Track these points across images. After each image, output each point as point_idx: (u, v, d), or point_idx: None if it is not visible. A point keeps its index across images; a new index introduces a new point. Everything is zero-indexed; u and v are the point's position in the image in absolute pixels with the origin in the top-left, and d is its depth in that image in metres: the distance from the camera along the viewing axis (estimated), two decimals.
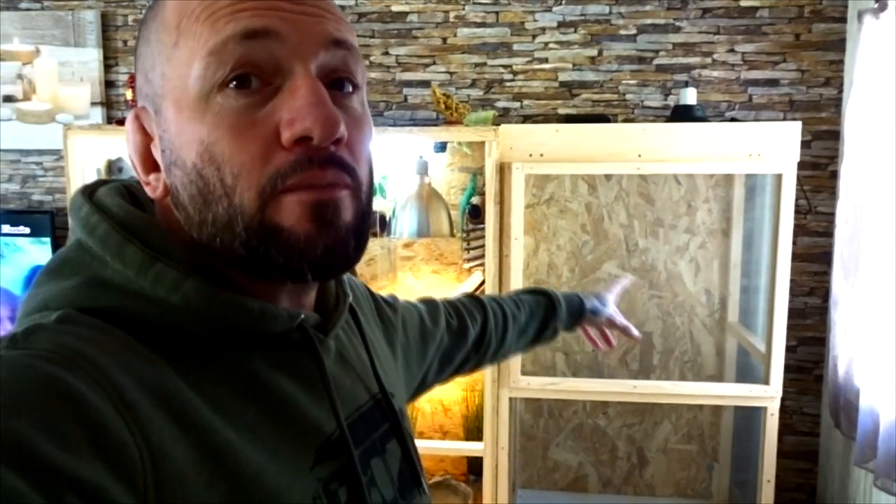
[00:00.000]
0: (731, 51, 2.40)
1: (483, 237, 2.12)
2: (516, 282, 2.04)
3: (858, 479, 2.18)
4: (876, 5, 2.02)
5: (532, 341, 1.09)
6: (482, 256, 2.15)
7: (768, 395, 1.98)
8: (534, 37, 2.47)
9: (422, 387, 0.87)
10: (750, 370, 2.41)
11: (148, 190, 0.52)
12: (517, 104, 2.50)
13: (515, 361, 2.08)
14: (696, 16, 2.39)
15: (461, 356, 0.94)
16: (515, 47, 2.48)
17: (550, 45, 2.46)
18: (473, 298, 1.00)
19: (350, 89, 0.51)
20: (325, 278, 0.55)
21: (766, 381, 1.99)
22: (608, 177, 2.43)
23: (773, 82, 2.40)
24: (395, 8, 2.49)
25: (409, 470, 0.63)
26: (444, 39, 2.50)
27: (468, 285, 2.38)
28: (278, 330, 0.51)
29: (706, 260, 2.45)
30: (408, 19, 2.50)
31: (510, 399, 2.10)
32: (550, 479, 2.61)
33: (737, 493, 2.50)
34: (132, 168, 0.53)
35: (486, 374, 2.09)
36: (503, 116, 2.49)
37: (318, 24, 0.48)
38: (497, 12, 2.46)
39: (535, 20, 2.45)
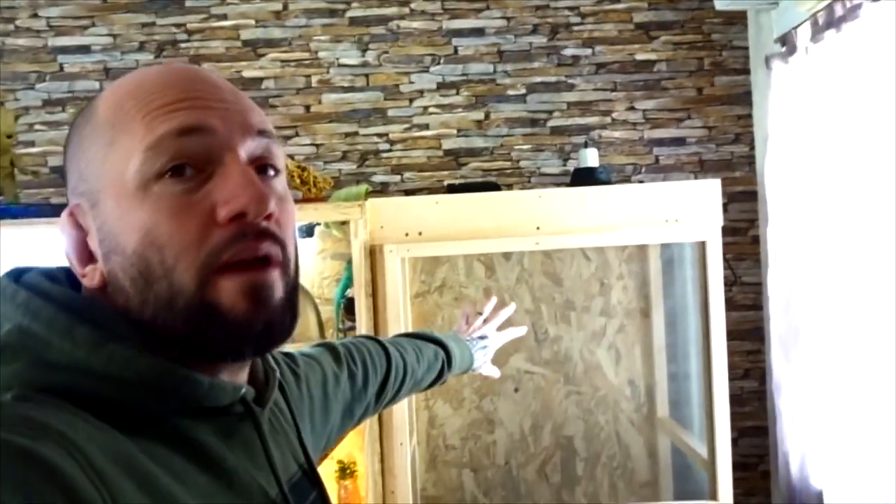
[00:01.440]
0: (632, 108, 2.15)
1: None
2: None
3: None
4: (784, 49, 1.81)
5: (422, 390, 1.10)
6: None
7: None
8: (411, 101, 2.14)
9: (326, 447, 0.86)
10: (689, 474, 2.04)
11: (85, 281, 0.54)
12: (397, 177, 2.14)
13: (404, 494, 1.63)
14: (590, 72, 2.14)
15: (361, 409, 0.92)
16: (391, 113, 2.14)
17: (431, 109, 2.15)
18: (377, 344, 0.99)
19: (273, 173, 0.56)
20: (263, 353, 0.60)
21: (712, 496, 1.62)
22: (507, 256, 2.08)
23: (679, 141, 2.15)
24: (246, 73, 2.13)
25: None
26: (308, 108, 2.14)
27: None
28: (224, 403, 0.54)
29: (627, 346, 2.11)
30: (263, 86, 2.13)
31: None
32: None
33: None
34: (69, 262, 0.55)
35: None
36: (381, 192, 2.13)
37: (242, 116, 0.54)
38: (367, 74, 2.14)
39: (412, 82, 2.14)
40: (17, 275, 0.54)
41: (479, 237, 1.62)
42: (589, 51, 2.14)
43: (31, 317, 0.50)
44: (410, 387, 1.04)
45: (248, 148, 0.53)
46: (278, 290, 0.53)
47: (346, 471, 1.92)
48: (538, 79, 2.14)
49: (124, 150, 0.50)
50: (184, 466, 0.49)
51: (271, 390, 0.62)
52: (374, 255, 1.63)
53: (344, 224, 1.75)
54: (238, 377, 0.58)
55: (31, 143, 2.13)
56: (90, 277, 0.53)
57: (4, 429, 0.41)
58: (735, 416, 2.11)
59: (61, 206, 1.81)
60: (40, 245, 1.96)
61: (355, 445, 1.97)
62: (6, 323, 0.51)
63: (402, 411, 1.62)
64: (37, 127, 2.13)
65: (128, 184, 0.50)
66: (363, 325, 1.62)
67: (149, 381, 0.49)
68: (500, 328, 1.34)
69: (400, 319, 1.62)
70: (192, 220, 0.50)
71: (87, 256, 0.54)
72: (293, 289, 0.55)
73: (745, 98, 2.13)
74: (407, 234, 1.62)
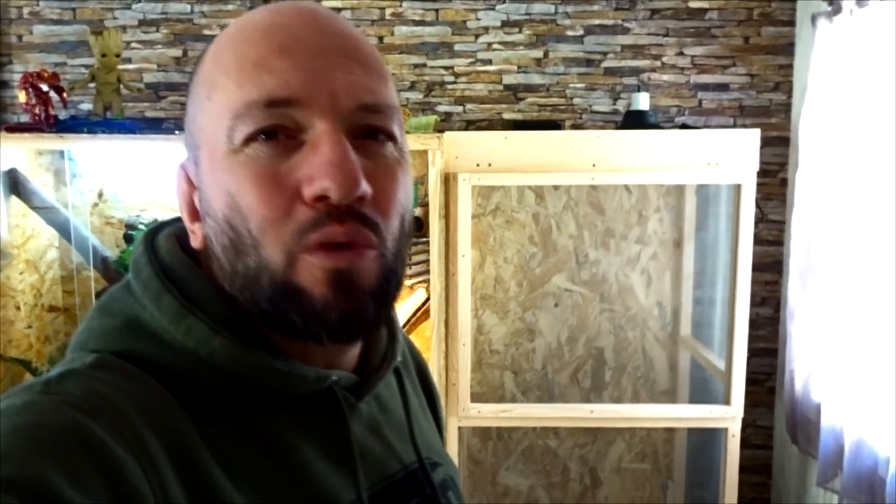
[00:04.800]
0: (681, 54, 2.31)
1: (425, 251, 1.95)
2: (464, 301, 1.88)
3: (817, 496, 2.11)
4: (830, 8, 1.96)
5: None
6: (425, 272, 1.99)
7: (730, 416, 1.89)
8: (476, 36, 2.31)
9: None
10: (704, 385, 2.32)
11: (192, 239, 0.52)
12: (460, 108, 2.34)
13: (465, 386, 1.92)
14: (645, 17, 2.29)
15: None
16: (457, 47, 2.32)
17: (494, 46, 2.32)
18: None
19: (383, 137, 0.49)
20: (343, 342, 0.52)
21: (726, 401, 1.90)
22: (556, 186, 2.30)
23: (722, 87, 2.32)
24: (326, 3, 2.30)
25: None
26: (381, 38, 2.32)
27: (411, 303, 2.21)
28: (305, 391, 0.50)
29: (658, 271, 2.36)
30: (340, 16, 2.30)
31: (459, 428, 1.94)
32: None
33: None
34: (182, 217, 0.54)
35: None
36: (445, 121, 2.33)
37: (346, 82, 0.47)
38: (437, 10, 2.30)
39: (478, 19, 2.30)
40: (158, 229, 0.54)
41: (542, 170, 1.84)
42: None
43: (135, 274, 0.50)
44: None
45: (346, 117, 0.47)
46: (367, 277, 0.47)
47: None
48: (596, 21, 2.30)
49: (218, 108, 0.48)
50: (247, 459, 0.47)
51: (377, 380, 0.57)
52: (447, 181, 1.86)
53: (419, 151, 1.96)
54: (337, 360, 0.54)
55: (129, 60, 2.33)
56: (195, 237, 0.52)
57: (63, 401, 0.41)
58: (749, 338, 2.37)
59: (161, 121, 2.05)
60: (143, 159, 2.20)
61: (422, 345, 2.26)
62: (127, 277, 0.52)
63: (466, 316, 1.89)
64: (133, 45, 2.33)
65: (220, 145, 0.47)
66: (435, 244, 1.86)
67: (221, 361, 0.47)
68: None
69: (468, 239, 1.86)
70: (277, 192, 0.46)
71: (196, 213, 0.52)
72: (389, 274, 0.49)
73: (787, 49, 2.29)
74: (478, 165, 1.84)
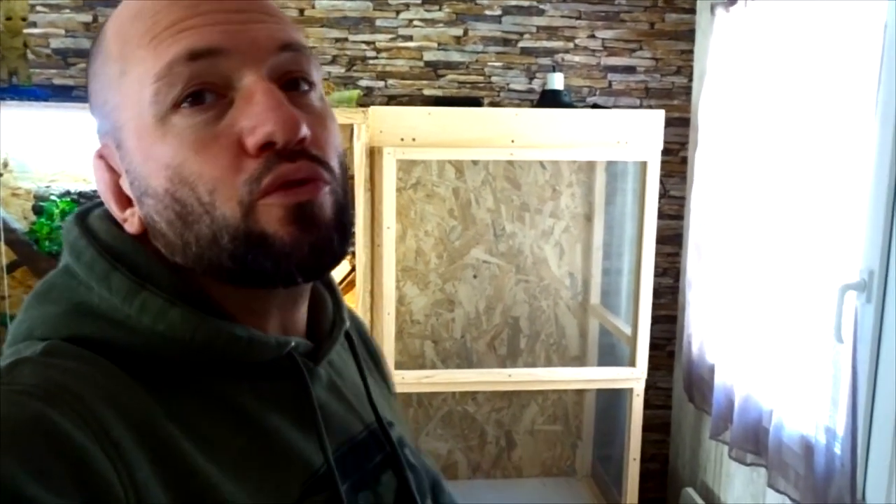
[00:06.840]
0: (592, 36, 2.43)
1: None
2: (389, 271, 1.94)
3: (709, 450, 2.32)
4: None
5: None
6: (350, 244, 2.03)
7: (635, 377, 2.04)
8: (397, 13, 2.35)
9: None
10: (611, 350, 2.48)
11: (126, 226, 0.51)
12: (381, 83, 2.37)
13: (389, 353, 1.98)
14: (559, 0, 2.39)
15: None
16: (378, 23, 2.35)
17: (415, 23, 2.36)
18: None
19: (306, 88, 0.50)
20: (315, 277, 0.53)
21: (632, 363, 2.05)
22: (475, 161, 2.38)
23: (630, 69, 2.46)
24: None
25: (407, 502, 0.59)
26: (301, 11, 2.31)
27: (336, 274, 2.25)
28: (266, 358, 0.50)
29: (570, 244, 2.49)
30: None
31: None
32: None
33: (599, 468, 2.58)
34: (108, 207, 0.52)
35: None
36: (367, 96, 2.36)
37: (263, 30, 0.48)
38: None
39: None
40: (87, 212, 0.53)
41: (463, 146, 1.91)
42: None
43: (74, 257, 0.49)
44: None
45: (271, 64, 0.48)
46: (326, 210, 0.49)
47: None
48: (513, 2, 2.38)
49: (136, 81, 0.47)
50: (216, 429, 0.47)
51: (332, 343, 0.58)
52: (372, 155, 1.90)
53: (344, 125, 2.00)
54: (292, 325, 0.55)
55: (34, 24, 2.23)
56: (130, 223, 0.50)
57: (20, 390, 0.40)
58: (652, 306, 2.55)
59: (71, 89, 1.99)
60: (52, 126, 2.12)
61: None
62: (62, 262, 0.51)
63: (391, 286, 1.95)
64: (39, 9, 2.23)
65: (145, 118, 0.47)
66: (361, 216, 1.90)
67: (179, 332, 0.46)
68: None
69: (392, 211, 1.92)
70: (221, 151, 0.46)
71: (125, 200, 0.50)
72: (342, 208, 0.51)
73: (689, 35, 2.44)
74: (402, 139, 1.89)
